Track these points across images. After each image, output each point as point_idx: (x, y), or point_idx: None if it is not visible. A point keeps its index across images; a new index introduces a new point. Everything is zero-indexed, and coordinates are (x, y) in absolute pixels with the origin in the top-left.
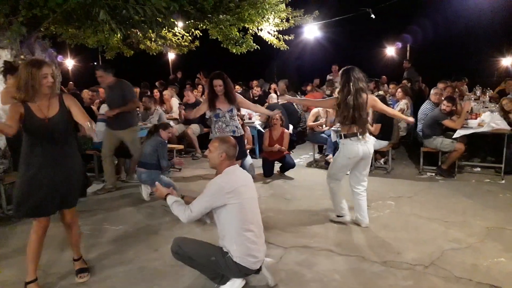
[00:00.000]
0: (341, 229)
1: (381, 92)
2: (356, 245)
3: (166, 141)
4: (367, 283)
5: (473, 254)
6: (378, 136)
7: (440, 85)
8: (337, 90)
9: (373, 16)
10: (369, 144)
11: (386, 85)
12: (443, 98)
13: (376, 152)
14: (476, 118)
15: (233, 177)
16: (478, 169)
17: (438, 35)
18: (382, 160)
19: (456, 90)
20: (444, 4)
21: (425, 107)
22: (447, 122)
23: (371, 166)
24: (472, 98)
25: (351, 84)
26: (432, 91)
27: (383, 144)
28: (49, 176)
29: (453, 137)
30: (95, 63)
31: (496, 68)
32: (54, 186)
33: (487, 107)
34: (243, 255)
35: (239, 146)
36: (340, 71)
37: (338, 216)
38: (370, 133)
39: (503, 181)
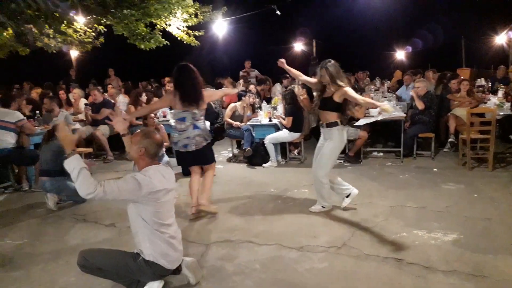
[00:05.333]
0: (261, 220)
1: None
2: (275, 234)
3: None
4: (285, 269)
5: (380, 231)
6: (291, 129)
7: None
8: (339, 80)
9: (278, 12)
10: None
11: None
12: None
13: (289, 143)
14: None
15: (154, 180)
16: (381, 154)
17: (341, 31)
18: (295, 151)
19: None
20: (345, 1)
21: None
22: (351, 112)
23: (286, 157)
24: (373, 89)
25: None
26: None
27: (295, 135)
28: None
29: (356, 124)
30: None
31: (391, 61)
32: None
33: (385, 97)
34: (156, 254)
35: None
36: (332, 64)
37: (322, 207)
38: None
39: (402, 163)
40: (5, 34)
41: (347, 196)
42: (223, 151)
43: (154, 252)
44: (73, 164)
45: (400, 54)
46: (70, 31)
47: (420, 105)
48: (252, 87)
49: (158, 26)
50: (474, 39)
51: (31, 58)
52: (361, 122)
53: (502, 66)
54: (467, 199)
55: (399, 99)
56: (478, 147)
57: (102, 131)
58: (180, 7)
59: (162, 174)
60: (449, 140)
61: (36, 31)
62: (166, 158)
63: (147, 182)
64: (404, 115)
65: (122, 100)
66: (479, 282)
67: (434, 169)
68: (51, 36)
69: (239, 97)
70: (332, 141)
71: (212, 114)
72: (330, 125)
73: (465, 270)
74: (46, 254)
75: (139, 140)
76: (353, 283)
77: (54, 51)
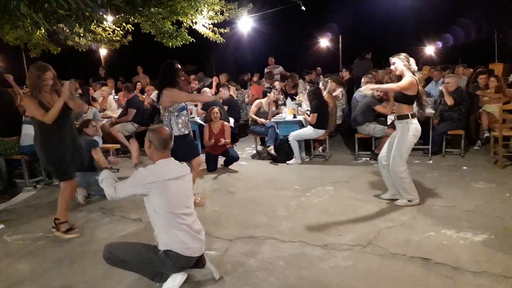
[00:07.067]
0: (284, 217)
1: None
2: (299, 231)
3: (96, 138)
4: (309, 267)
5: (406, 230)
6: (315, 125)
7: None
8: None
9: (303, 8)
10: None
11: (321, 76)
12: None
13: (314, 140)
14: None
15: (161, 170)
16: None
17: (367, 26)
18: (320, 148)
19: (388, 77)
20: None
21: (357, 94)
22: (379, 108)
23: (310, 154)
24: None
25: None
26: (363, 79)
27: (320, 132)
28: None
29: (388, 123)
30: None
31: (420, 57)
32: None
33: None
34: (172, 243)
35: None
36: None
37: (409, 200)
38: (309, 123)
39: (431, 161)
40: (38, 33)
41: (409, 200)
42: (247, 148)
43: (171, 241)
44: (100, 176)
45: (430, 49)
46: (99, 30)
47: (449, 101)
48: (276, 83)
49: (184, 24)
50: (507, 33)
51: (62, 57)
52: (390, 118)
53: None
54: (499, 198)
55: (428, 95)
56: (510, 145)
57: (119, 127)
58: (206, 5)
59: (170, 166)
60: (485, 135)
61: (67, 30)
62: None
63: (148, 173)
64: (433, 111)
65: (154, 96)
66: (510, 284)
67: (464, 167)
68: (82, 35)
69: (264, 94)
70: (401, 134)
71: (237, 111)
72: (400, 117)
73: (495, 271)
74: (75, 247)
75: (147, 134)
76: (378, 282)
77: (84, 50)
